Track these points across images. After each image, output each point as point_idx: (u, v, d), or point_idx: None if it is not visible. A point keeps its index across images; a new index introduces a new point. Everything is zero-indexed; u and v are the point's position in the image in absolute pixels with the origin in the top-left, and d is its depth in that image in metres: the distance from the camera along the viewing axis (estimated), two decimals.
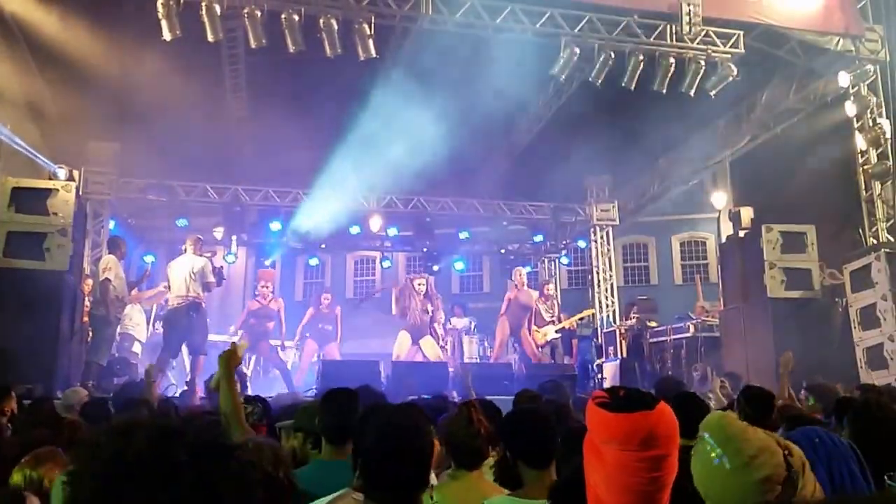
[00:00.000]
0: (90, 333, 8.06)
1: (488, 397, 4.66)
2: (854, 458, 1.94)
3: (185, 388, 7.74)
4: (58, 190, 7.68)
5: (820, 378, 5.86)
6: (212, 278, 8.28)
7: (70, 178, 8.80)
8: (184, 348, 8.32)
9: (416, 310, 9.42)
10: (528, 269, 11.01)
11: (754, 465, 1.46)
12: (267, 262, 14.30)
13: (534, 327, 10.16)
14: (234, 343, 3.26)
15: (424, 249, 13.96)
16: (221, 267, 8.88)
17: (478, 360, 10.66)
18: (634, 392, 1.46)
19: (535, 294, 10.37)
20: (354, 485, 2.16)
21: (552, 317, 10.35)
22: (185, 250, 8.46)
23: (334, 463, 2.58)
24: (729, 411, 1.96)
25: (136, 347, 9.62)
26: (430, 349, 9.39)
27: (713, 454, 1.50)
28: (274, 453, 1.97)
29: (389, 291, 10.35)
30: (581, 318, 11.49)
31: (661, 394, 3.75)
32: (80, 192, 8.56)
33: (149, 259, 12.64)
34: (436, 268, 14.00)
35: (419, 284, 9.67)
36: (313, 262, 16.55)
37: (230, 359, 2.99)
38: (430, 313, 9.54)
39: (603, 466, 1.42)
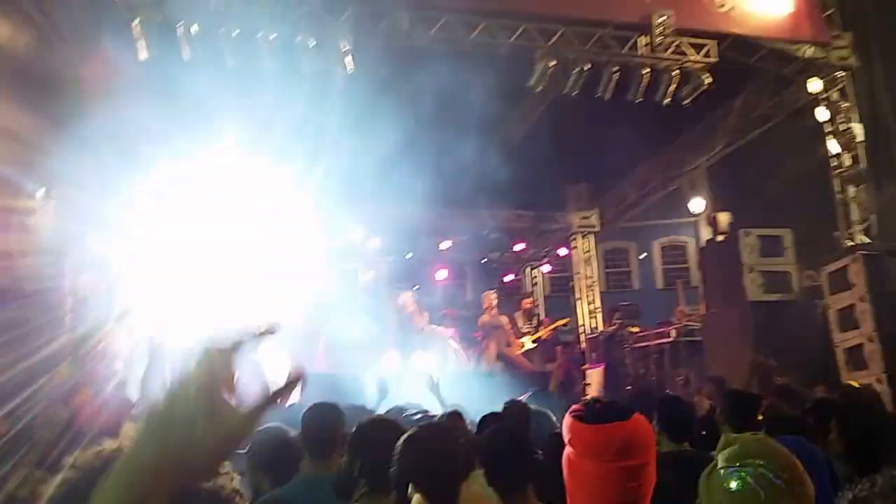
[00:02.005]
0: None
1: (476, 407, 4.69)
2: (828, 473, 1.99)
3: None
4: (36, 210, 7.65)
5: (791, 380, 5.93)
6: None
7: (49, 198, 8.73)
8: None
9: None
10: (494, 292, 11.08)
11: (806, 482, 1.45)
12: None
13: (512, 338, 10.28)
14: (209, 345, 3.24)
15: (409, 255, 13.92)
16: None
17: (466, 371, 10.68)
18: (610, 403, 1.49)
19: (505, 319, 10.46)
20: (356, 498, 2.16)
21: (530, 329, 10.47)
22: None
23: (319, 477, 2.54)
24: (759, 433, 1.95)
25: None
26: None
27: (771, 476, 1.43)
28: None
29: None
30: (555, 328, 11.58)
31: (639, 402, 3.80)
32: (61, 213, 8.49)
33: None
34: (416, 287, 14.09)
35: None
36: None
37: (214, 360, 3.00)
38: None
39: (582, 478, 1.45)
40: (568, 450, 1.49)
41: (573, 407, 1.51)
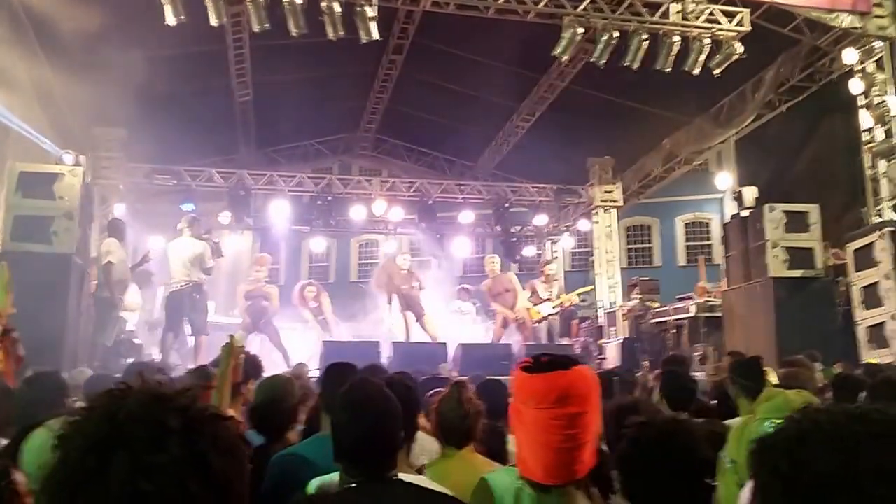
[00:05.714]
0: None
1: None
2: None
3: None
4: (64, 174, 7.74)
5: (806, 355, 5.83)
6: (211, 263, 8.42)
7: (77, 163, 8.89)
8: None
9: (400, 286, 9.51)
10: (494, 256, 10.82)
11: None
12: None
13: (529, 304, 10.15)
14: (232, 336, 3.30)
15: (426, 225, 13.88)
16: (218, 241, 9.02)
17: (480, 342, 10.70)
18: (555, 356, 1.57)
19: (511, 275, 10.39)
20: None
21: (550, 296, 10.36)
22: (182, 232, 8.48)
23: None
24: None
25: (130, 326, 9.66)
26: (430, 327, 9.48)
27: None
28: None
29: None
30: (579, 295, 11.49)
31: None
32: (88, 178, 8.59)
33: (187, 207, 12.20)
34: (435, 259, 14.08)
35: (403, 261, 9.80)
36: (318, 245, 16.59)
37: (232, 350, 3.10)
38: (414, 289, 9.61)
39: (524, 426, 1.53)
40: (512, 400, 1.57)
41: (521, 360, 1.59)
